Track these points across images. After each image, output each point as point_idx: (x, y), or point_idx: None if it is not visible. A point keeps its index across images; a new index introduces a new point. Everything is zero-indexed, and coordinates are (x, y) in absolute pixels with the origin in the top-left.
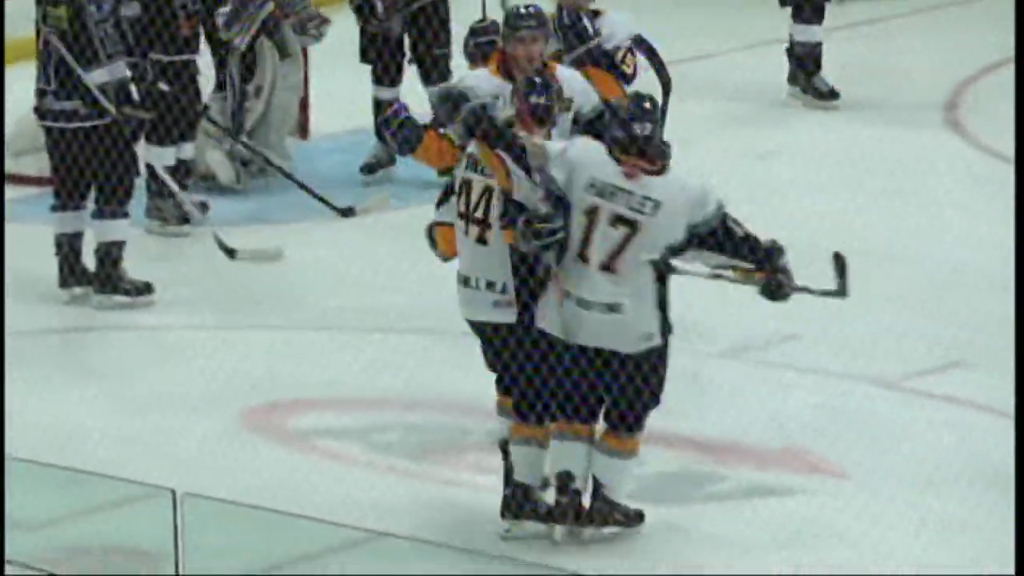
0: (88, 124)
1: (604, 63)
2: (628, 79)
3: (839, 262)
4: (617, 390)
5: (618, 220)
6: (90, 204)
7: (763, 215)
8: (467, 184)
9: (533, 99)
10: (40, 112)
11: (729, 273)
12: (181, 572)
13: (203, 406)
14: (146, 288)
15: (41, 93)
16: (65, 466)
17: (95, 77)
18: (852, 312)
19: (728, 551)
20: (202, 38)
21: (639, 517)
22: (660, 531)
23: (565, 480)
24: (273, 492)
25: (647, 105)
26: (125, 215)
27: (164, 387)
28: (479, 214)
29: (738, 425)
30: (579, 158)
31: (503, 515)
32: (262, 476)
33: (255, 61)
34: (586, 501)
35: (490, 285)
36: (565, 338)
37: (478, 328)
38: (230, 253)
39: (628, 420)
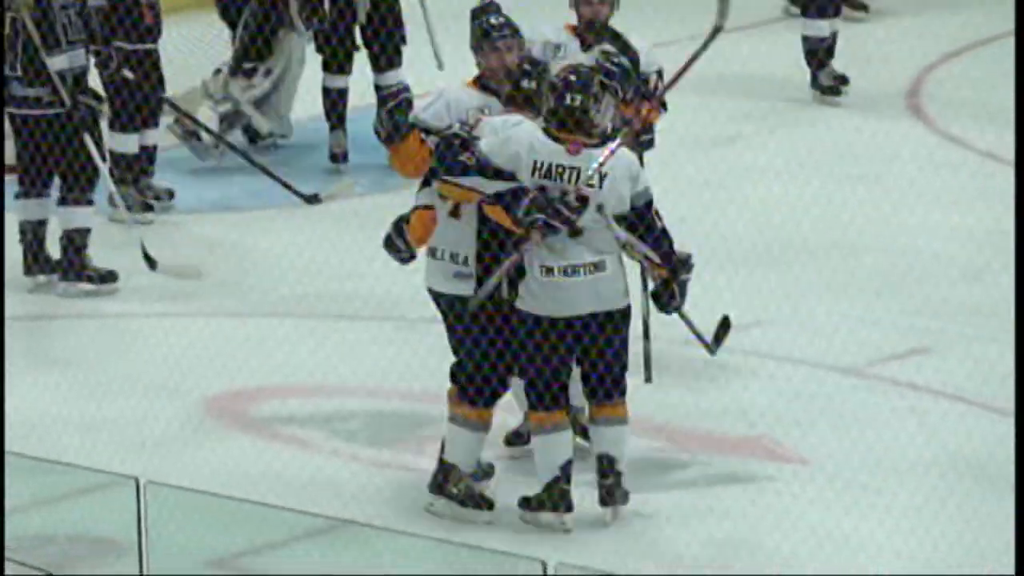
0: (52, 112)
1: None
2: (664, 106)
3: (723, 326)
4: (598, 355)
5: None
6: (54, 192)
7: (728, 201)
8: None
9: (525, 83)
10: (5, 99)
11: (637, 252)
12: (145, 560)
13: (166, 394)
14: (110, 276)
15: (6, 79)
16: (29, 454)
17: (55, 63)
18: (816, 299)
19: (691, 538)
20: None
21: (627, 496)
22: (626, 517)
23: (570, 470)
24: (237, 480)
25: (580, 76)
26: (89, 203)
27: (127, 375)
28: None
29: (701, 412)
30: (519, 143)
31: (431, 489)
32: (225, 464)
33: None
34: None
35: (453, 256)
36: (550, 314)
37: (437, 298)
38: (151, 264)
39: (618, 384)
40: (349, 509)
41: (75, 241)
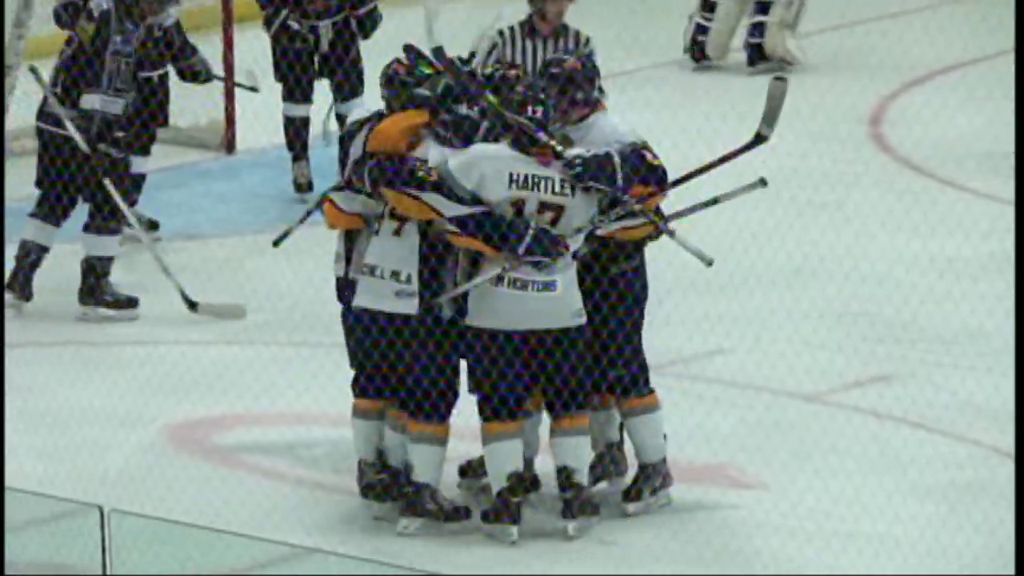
0: (59, 131)
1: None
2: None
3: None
4: (554, 370)
5: (544, 206)
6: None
7: (689, 229)
8: None
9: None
10: (39, 112)
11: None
12: None
13: (129, 422)
14: (129, 302)
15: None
16: None
17: (86, 100)
18: (777, 326)
19: (655, 565)
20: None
21: (596, 509)
22: (588, 545)
23: (517, 480)
24: (200, 508)
25: (532, 89)
26: (114, 231)
27: (89, 403)
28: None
29: (672, 437)
30: (488, 160)
31: (402, 512)
32: (189, 492)
33: None
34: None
35: (395, 274)
36: (502, 327)
37: (373, 317)
38: (192, 306)
39: (576, 398)
40: (313, 537)
41: (96, 268)
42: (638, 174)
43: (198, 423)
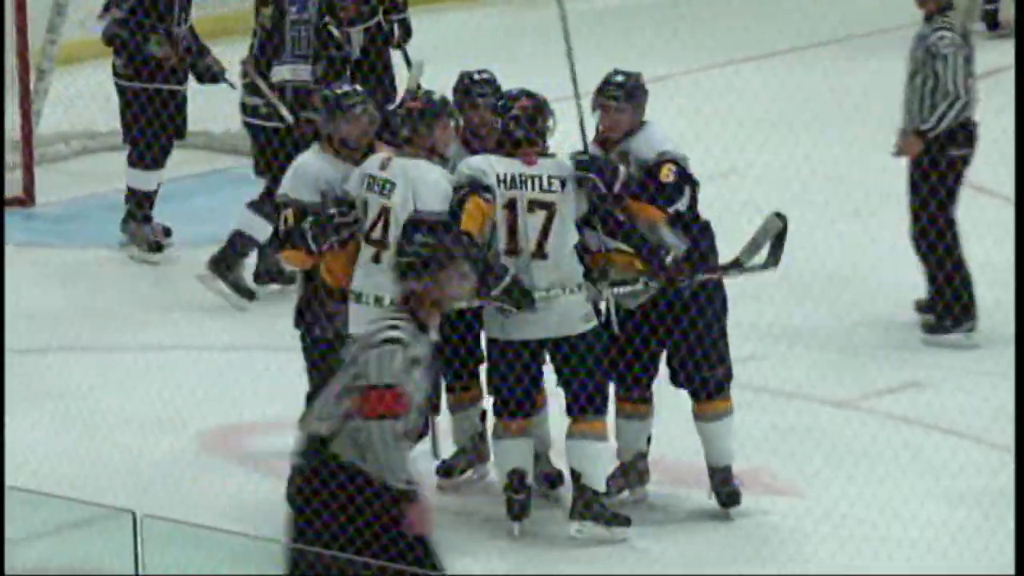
0: (258, 122)
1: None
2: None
3: (773, 229)
4: (570, 375)
5: (535, 205)
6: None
7: (722, 236)
8: (364, 204)
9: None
10: (242, 107)
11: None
12: None
13: (161, 427)
14: (249, 293)
15: (245, 87)
16: (24, 487)
17: (275, 72)
18: (810, 333)
19: (687, 570)
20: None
21: (625, 520)
22: (618, 551)
23: (518, 478)
24: (232, 513)
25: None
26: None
27: (122, 408)
28: (376, 235)
29: (698, 445)
30: (480, 163)
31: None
32: (221, 497)
33: None
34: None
35: (378, 300)
36: (513, 338)
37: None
38: None
39: (593, 402)
40: None
41: (237, 245)
42: (647, 191)
43: (231, 429)
